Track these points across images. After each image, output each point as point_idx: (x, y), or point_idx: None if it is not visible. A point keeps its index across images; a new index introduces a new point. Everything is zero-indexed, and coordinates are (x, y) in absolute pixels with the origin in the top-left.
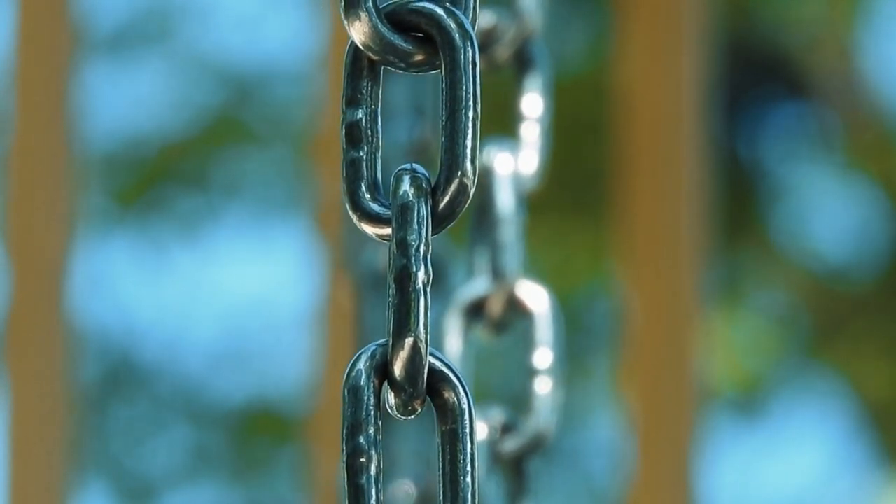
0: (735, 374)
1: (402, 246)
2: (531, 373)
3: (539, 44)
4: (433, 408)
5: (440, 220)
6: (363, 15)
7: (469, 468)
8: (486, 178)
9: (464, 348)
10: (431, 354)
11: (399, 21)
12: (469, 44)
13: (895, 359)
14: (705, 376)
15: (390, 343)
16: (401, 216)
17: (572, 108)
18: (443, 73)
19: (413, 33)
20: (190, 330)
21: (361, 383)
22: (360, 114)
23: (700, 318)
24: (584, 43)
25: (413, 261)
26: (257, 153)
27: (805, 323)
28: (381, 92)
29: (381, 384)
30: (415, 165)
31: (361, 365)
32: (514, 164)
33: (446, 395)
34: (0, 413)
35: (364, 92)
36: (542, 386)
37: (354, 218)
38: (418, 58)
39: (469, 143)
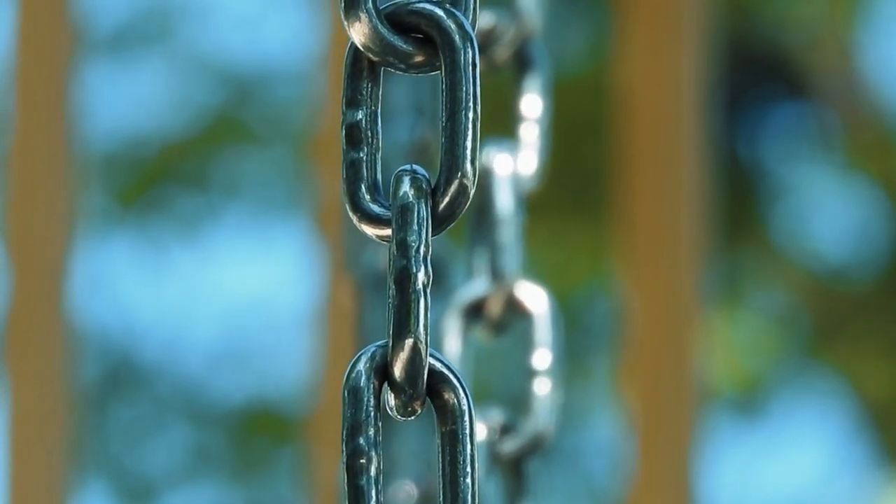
0: (735, 374)
1: (402, 247)
2: (530, 374)
3: (538, 44)
4: (433, 409)
5: (440, 222)
6: (363, 16)
7: (469, 469)
8: (485, 179)
9: (463, 349)
10: (431, 356)
11: (399, 22)
12: (469, 45)
13: (895, 359)
14: (705, 376)
15: (390, 344)
16: (401, 217)
17: (572, 108)
18: (443, 74)
19: (413, 34)
20: (190, 330)
21: (361, 384)
22: (360, 115)
23: (700, 318)
24: (584, 43)
25: (413, 262)
26: (257, 153)
27: (805, 323)
28: (381, 93)
29: (381, 385)
30: (415, 166)
31: (361, 366)
32: (514, 164)
33: (446, 396)
34: (0, 413)
35: (364, 93)
36: (542, 387)
37: (354, 219)
38: (418, 59)
39: (469, 144)
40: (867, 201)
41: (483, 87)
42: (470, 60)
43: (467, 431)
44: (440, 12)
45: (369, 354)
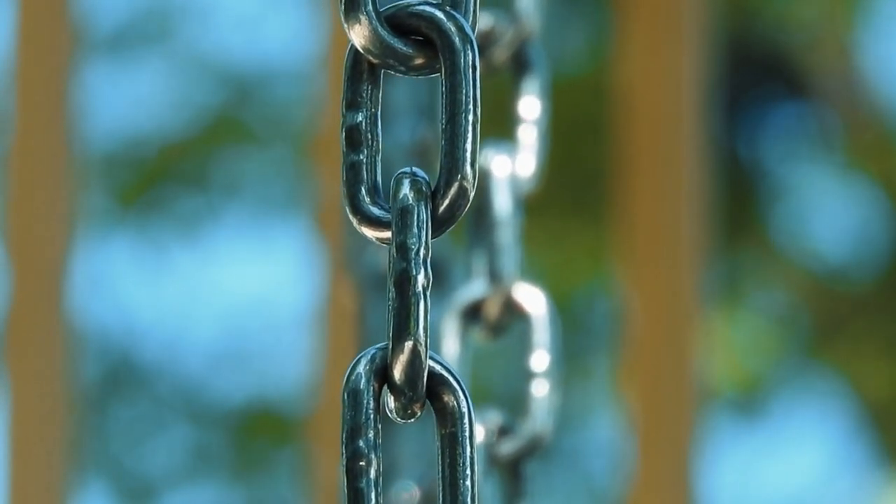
0: (735, 374)
1: (402, 249)
2: (528, 375)
3: (537, 46)
4: (433, 411)
5: (440, 224)
6: (363, 18)
7: (469, 471)
8: (483, 181)
9: (461, 351)
10: (431, 358)
11: (399, 24)
12: (469, 47)
13: (895, 359)
14: (705, 376)
15: (390, 347)
16: (400, 220)
17: (572, 108)
18: (443, 76)
19: (413, 37)
20: (190, 330)
21: (361, 387)
22: (360, 117)
23: (700, 318)
24: (584, 43)
25: (413, 264)
26: (257, 153)
27: (805, 323)
28: (381, 95)
29: (380, 388)
30: (414, 169)
31: (361, 368)
32: (512, 166)
33: (446, 398)
34: (0, 413)
35: (364, 95)
36: (539, 388)
37: (354, 221)
38: (418, 61)
39: (469, 146)
40: (867, 201)
41: (482, 88)
42: (470, 63)
43: (467, 434)
44: (440, 15)
45: (369, 357)
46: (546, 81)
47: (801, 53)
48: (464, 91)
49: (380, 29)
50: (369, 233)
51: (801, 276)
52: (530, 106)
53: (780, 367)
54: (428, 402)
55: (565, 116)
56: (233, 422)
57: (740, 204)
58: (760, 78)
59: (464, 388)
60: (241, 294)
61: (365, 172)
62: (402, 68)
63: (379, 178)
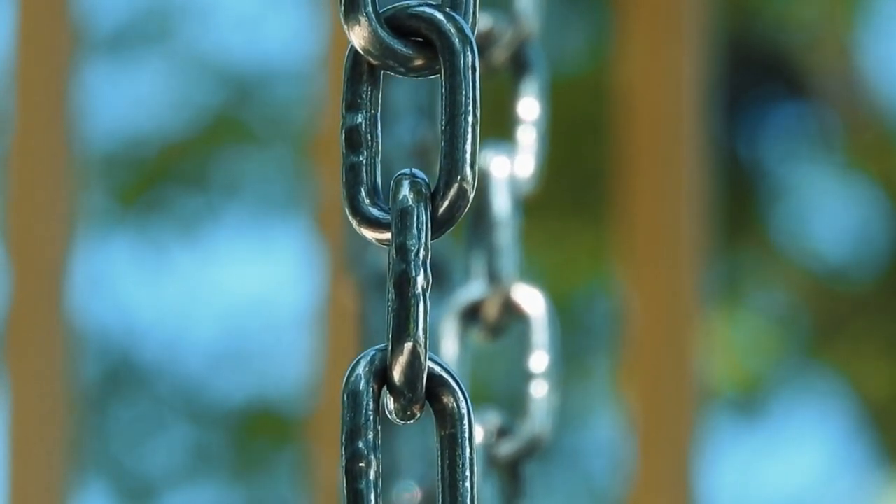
0: (735, 374)
1: (402, 251)
2: (527, 376)
3: (536, 47)
4: (432, 412)
5: (440, 225)
6: (363, 20)
7: (468, 473)
8: (482, 182)
9: (460, 352)
10: (431, 359)
11: (399, 26)
12: (469, 48)
13: (895, 359)
14: (705, 376)
15: (389, 348)
16: (400, 221)
17: (572, 108)
18: (442, 77)
19: (413, 38)
20: (190, 330)
21: (360, 388)
22: (360, 118)
23: (700, 318)
24: (584, 43)
25: (412, 266)
26: (257, 153)
27: (805, 323)
28: (380, 96)
29: (380, 389)
30: (414, 170)
31: (360, 369)
32: (511, 167)
33: (445, 399)
34: (0, 413)
35: (364, 96)
36: (538, 389)
37: (354, 223)
38: (418, 62)
39: (469, 147)
40: (867, 201)
41: (481, 90)
42: (470, 64)
43: (466, 435)
44: (440, 16)
45: (368, 358)
46: (545, 82)
47: (801, 53)
48: (463, 92)
49: (380, 30)
50: (369, 234)
51: (801, 276)
52: (529, 107)
53: (780, 367)
54: (427, 403)
55: (565, 116)
56: (233, 422)
57: (740, 204)
58: (760, 78)
59: (463, 389)
60: (241, 294)
61: (365, 174)
62: (402, 69)
63: (379, 180)
